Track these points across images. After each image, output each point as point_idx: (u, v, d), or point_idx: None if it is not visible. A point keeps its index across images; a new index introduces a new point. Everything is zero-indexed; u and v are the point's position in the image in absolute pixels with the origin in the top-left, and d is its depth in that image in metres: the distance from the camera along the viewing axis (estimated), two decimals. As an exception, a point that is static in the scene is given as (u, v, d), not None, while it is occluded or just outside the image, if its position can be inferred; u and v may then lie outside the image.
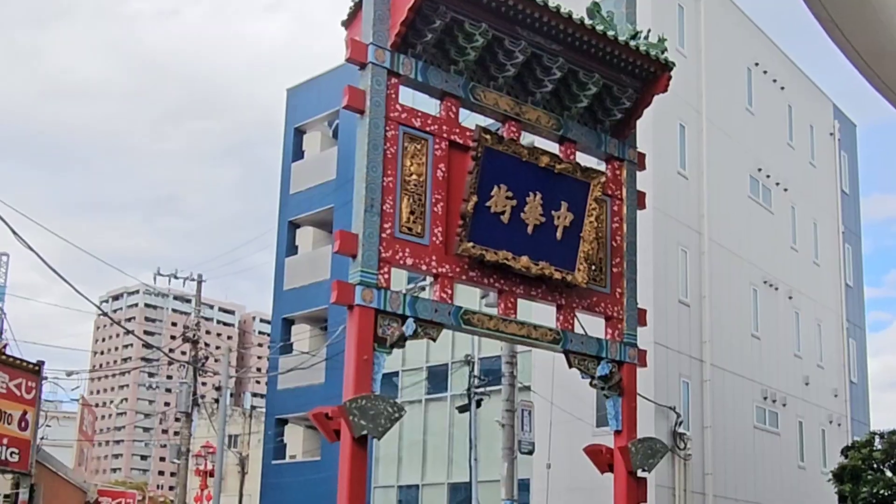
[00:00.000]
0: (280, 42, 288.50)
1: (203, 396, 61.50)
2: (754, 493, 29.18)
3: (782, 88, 34.29)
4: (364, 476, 13.34)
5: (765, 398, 30.73)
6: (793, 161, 34.79)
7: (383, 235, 13.70)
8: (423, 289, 24.63)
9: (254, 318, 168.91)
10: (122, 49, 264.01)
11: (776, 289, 32.48)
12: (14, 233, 18.79)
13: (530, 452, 23.13)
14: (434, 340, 14.45)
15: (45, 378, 25.27)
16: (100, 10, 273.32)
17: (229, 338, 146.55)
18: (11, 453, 23.62)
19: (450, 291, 14.48)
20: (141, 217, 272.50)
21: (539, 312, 17.89)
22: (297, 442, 40.48)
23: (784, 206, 33.80)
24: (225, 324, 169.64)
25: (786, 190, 33.78)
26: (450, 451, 31.16)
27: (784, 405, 31.66)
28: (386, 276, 13.65)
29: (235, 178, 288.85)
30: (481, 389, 25.97)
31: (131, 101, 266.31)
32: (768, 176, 32.78)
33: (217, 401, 52.49)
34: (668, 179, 27.68)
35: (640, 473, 16.14)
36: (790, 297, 33.30)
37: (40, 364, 24.91)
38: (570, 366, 15.78)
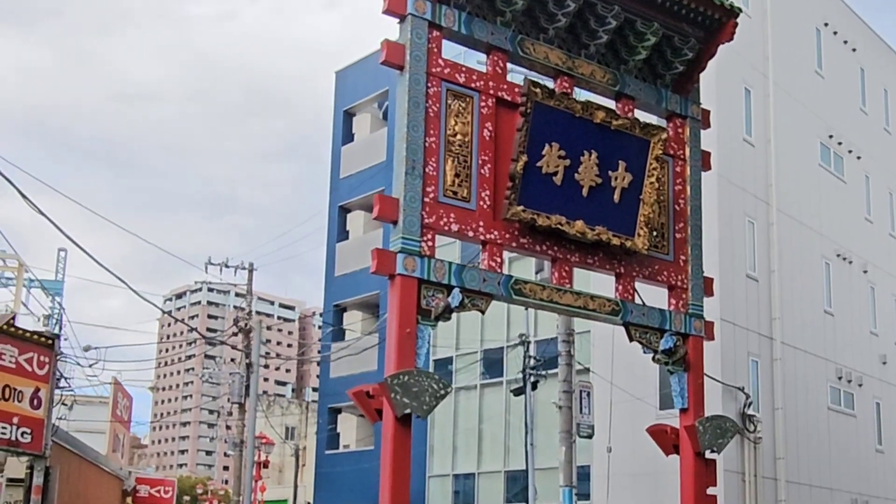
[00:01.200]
0: (337, 38, 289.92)
1: (265, 392, 62.06)
2: (829, 479, 28.22)
3: (854, 50, 32.97)
4: (408, 459, 12.71)
5: (839, 378, 29.67)
6: (866, 127, 33.48)
7: (426, 200, 12.94)
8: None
9: (313, 313, 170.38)
10: (181, 51, 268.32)
11: (850, 262, 31.33)
12: (65, 234, 18.23)
13: (590, 436, 22.46)
14: (483, 312, 13.67)
15: (61, 353, 24.30)
16: (159, 15, 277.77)
17: (290, 333, 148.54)
18: (23, 433, 21.92)
19: (499, 260, 13.72)
20: (202, 215, 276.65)
21: (597, 282, 17.09)
22: (350, 431, 40.38)
23: (857, 174, 32.56)
24: (286, 319, 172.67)
25: (859, 158, 32.54)
26: (506, 438, 30.83)
27: (860, 385, 30.56)
28: (430, 243, 12.91)
29: (295, 174, 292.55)
30: (537, 371, 25.23)
31: (192, 101, 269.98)
32: (840, 143, 31.59)
33: (273, 395, 52.79)
34: (734, 146, 26.65)
35: (708, 455, 15.39)
36: (865, 271, 32.12)
37: (54, 338, 23.81)
38: (631, 339, 15.00)
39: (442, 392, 12.68)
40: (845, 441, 29.39)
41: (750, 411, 25.21)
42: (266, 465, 46.26)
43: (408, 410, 12.41)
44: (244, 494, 49.86)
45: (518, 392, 25.53)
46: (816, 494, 27.51)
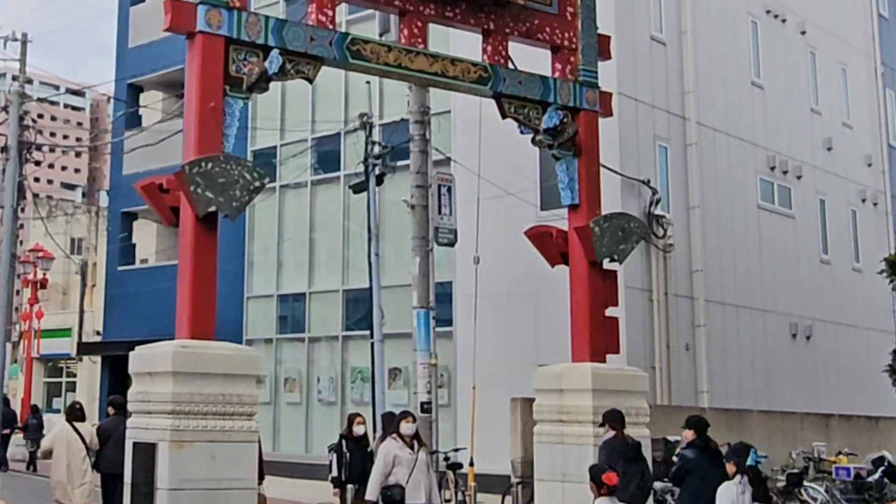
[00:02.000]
0: None
1: (48, 197, 61.55)
2: (761, 298, 29.85)
3: None
4: (212, 272, 13.43)
5: (772, 168, 31.10)
6: None
7: (233, -72, 13.11)
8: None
9: (108, 99, 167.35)
10: None
11: (783, 20, 32.42)
12: None
13: (451, 244, 23.15)
14: (310, 82, 14.17)
15: None
16: None
17: (79, 124, 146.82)
18: None
19: (330, 14, 14.12)
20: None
21: (459, 43, 17.50)
22: (148, 241, 41.13)
23: None
24: (74, 108, 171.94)
25: None
26: (344, 249, 31.70)
27: (799, 178, 32.19)
28: (240, -12, 13.16)
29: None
30: (383, 162, 25.60)
31: None
32: None
33: (57, 199, 52.76)
34: None
35: (606, 265, 16.29)
36: (803, 32, 33.31)
37: None
38: (504, 116, 15.66)
39: (257, 184, 13.19)
40: (781, 249, 31.03)
41: (658, 211, 26.26)
42: (44, 284, 47.06)
43: (212, 208, 12.90)
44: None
45: (358, 188, 25.89)
46: (744, 318, 29.11)
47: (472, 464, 21.12)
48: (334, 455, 16.55)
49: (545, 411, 16.13)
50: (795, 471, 21.49)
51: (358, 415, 17.05)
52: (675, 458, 13.78)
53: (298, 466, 30.34)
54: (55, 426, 17.94)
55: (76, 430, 16.86)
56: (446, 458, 21.91)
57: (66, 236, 56.39)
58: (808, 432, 25.54)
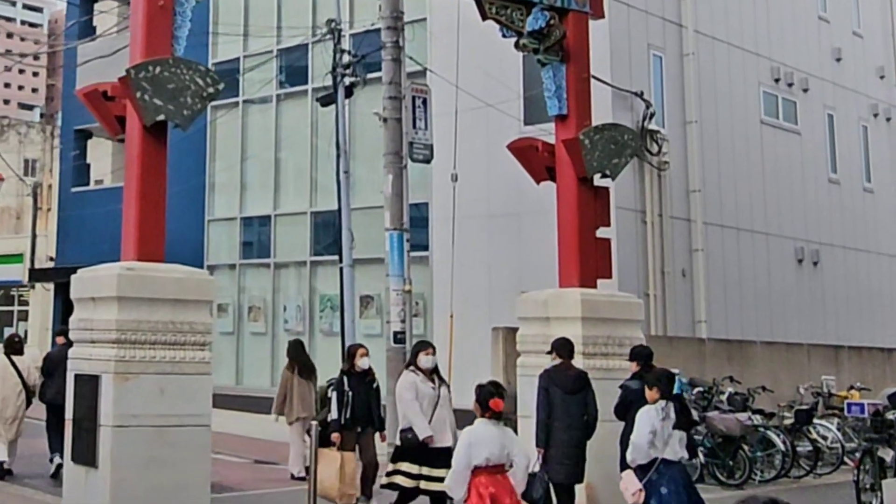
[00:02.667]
0: None
1: (4, 118, 61.63)
2: (764, 220, 29.69)
3: None
4: (161, 188, 13.15)
5: (776, 80, 30.81)
6: None
7: None
8: None
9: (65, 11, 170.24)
10: None
11: (789, -90, 32.01)
12: None
13: (427, 160, 22.86)
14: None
15: None
16: None
17: (36, 42, 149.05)
18: None
19: None
20: None
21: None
22: (104, 161, 41.40)
23: None
24: (31, 24, 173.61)
25: None
26: (312, 169, 31.66)
27: (805, 90, 31.90)
28: None
29: None
30: (353, 72, 25.24)
31: None
32: None
33: (11, 120, 52.98)
34: None
35: (597, 181, 15.96)
36: (809, -74, 32.94)
37: None
38: (485, 17, 15.31)
39: (210, 90, 12.86)
40: (786, 168, 30.82)
41: (652, 126, 26.05)
42: None
43: (161, 117, 12.60)
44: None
45: (326, 101, 25.55)
46: (746, 242, 28.93)
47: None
48: (334, 394, 15.19)
49: (529, 342, 15.75)
50: (804, 407, 21.26)
51: (360, 346, 15.91)
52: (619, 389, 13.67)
53: (264, 401, 29.43)
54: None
55: (13, 363, 17.75)
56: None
57: (19, 157, 56.61)
58: (816, 365, 25.44)
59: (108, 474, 12.17)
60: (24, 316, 53.12)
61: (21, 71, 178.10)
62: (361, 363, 15.32)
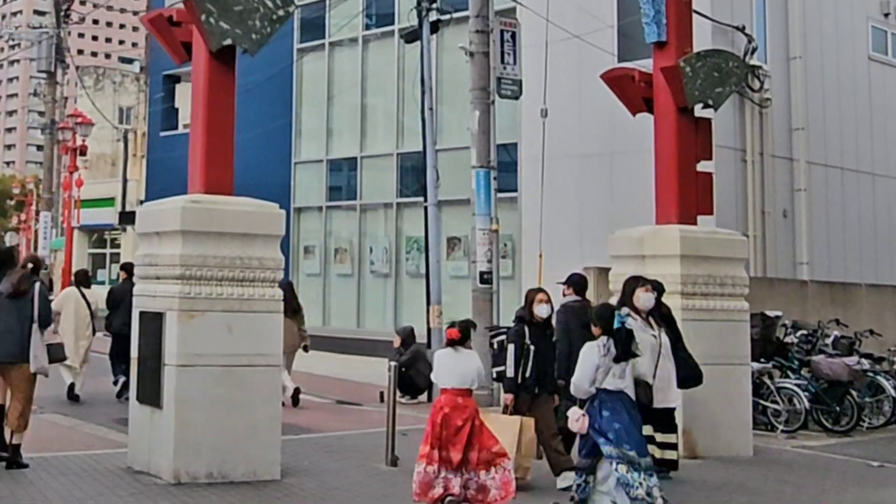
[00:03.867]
0: None
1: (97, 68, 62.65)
2: (870, 160, 28.63)
3: None
4: (230, 117, 12.83)
5: (886, 15, 29.69)
6: None
7: None
8: None
9: None
10: None
11: None
12: None
13: (516, 96, 22.05)
14: None
15: None
16: None
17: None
18: None
19: None
20: None
21: None
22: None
23: None
24: None
25: None
26: (399, 111, 31.46)
27: (916, 24, 30.69)
28: None
29: None
30: (440, 8, 24.61)
31: None
32: None
33: (104, 69, 54.35)
34: None
35: (699, 112, 15.36)
36: None
37: None
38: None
39: (280, 13, 12.42)
40: (894, 105, 29.68)
41: (754, 61, 25.14)
42: (83, 151, 48.47)
43: (228, 41, 12.24)
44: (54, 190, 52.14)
45: (411, 37, 24.90)
46: (850, 182, 27.99)
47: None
48: (512, 346, 12.52)
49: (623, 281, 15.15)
50: (915, 351, 20.60)
51: (540, 290, 13.14)
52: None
53: (351, 342, 30.63)
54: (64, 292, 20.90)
55: (83, 295, 19.61)
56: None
57: (114, 106, 57.85)
58: (925, 309, 24.64)
59: (173, 416, 11.75)
60: (116, 258, 54.24)
61: (122, 26, 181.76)
62: (540, 311, 12.64)
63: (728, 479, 13.44)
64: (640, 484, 10.05)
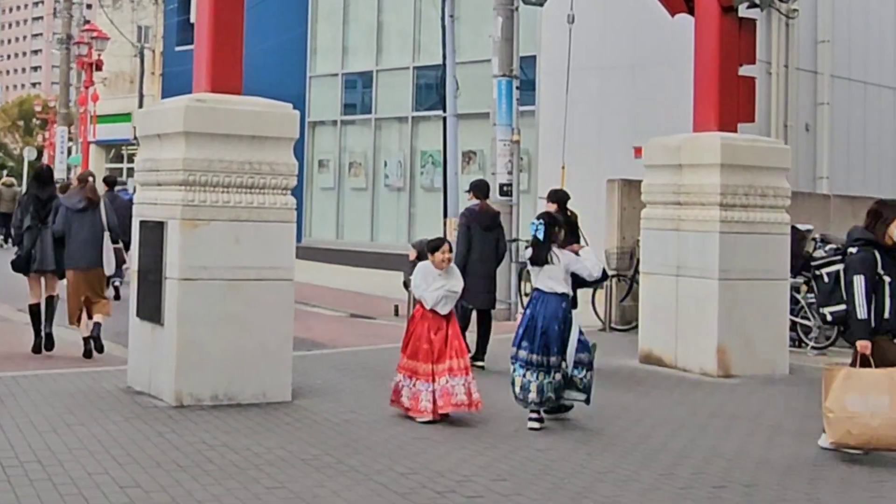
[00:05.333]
0: None
1: None
2: (894, 75, 27.64)
3: None
4: (239, 9, 11.45)
5: (915, -75, 28.29)
6: None
7: None
8: None
9: None
10: None
11: None
12: None
13: (540, 3, 20.82)
14: None
15: None
16: None
17: None
18: None
19: None
20: None
21: None
22: None
23: None
24: None
25: None
26: (416, 31, 30.73)
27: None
28: None
29: None
30: None
31: None
32: None
33: None
34: None
35: (743, 11, 14.37)
36: None
37: None
38: None
39: None
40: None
41: (779, -29, 23.89)
42: (99, 66, 48.31)
43: None
44: (71, 105, 51.35)
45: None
46: (874, 96, 27.06)
47: (556, 254, 19.30)
48: (860, 278, 9.61)
49: (658, 192, 14.21)
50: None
51: None
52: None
53: (364, 255, 29.98)
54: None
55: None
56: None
57: (132, 24, 57.68)
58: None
59: (175, 333, 10.44)
60: (133, 172, 53.59)
61: None
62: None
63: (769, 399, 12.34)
64: None
